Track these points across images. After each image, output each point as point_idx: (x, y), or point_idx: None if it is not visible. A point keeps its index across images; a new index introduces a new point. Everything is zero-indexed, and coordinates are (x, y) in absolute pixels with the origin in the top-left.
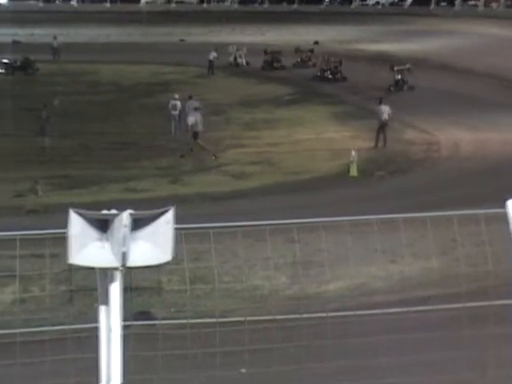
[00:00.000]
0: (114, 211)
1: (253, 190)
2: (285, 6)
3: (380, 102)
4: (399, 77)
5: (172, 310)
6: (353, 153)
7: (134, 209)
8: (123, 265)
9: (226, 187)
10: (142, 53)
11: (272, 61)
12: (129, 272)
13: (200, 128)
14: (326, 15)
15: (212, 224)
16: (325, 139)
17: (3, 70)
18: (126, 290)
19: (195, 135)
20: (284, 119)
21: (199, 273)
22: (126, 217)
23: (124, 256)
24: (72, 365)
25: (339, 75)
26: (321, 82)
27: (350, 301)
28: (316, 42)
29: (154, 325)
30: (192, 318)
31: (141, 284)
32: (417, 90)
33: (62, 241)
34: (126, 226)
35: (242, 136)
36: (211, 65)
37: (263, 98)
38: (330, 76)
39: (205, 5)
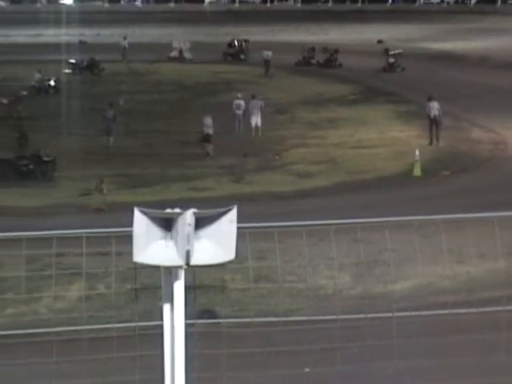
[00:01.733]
0: (177, 210)
1: (317, 190)
2: (348, 5)
3: (429, 99)
4: None
5: (235, 308)
6: (417, 152)
7: (198, 208)
8: (187, 263)
9: (290, 186)
10: (204, 52)
11: (309, 58)
12: (192, 270)
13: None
14: (389, 14)
15: (276, 223)
16: (388, 138)
17: (70, 70)
18: (190, 288)
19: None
20: (348, 118)
21: (263, 272)
22: (189, 216)
23: (188, 254)
24: (137, 362)
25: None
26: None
27: (417, 301)
28: (380, 41)
29: (218, 323)
30: (256, 316)
31: (204, 282)
32: (478, 88)
33: (127, 239)
34: (189, 225)
35: (306, 135)
36: (267, 64)
37: (327, 96)
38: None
39: (268, 4)
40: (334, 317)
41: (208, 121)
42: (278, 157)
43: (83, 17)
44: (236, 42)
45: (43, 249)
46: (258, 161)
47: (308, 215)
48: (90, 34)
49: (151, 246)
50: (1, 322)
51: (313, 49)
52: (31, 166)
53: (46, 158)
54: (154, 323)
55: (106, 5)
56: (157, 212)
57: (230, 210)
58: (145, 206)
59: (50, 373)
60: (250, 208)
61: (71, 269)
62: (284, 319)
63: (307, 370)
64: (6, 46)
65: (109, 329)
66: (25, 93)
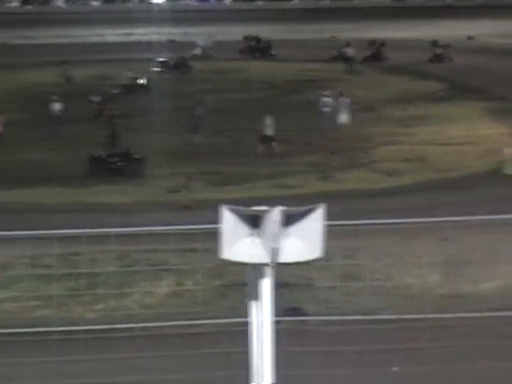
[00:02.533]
0: (265, 207)
1: (404, 187)
2: (438, 1)
3: None
4: None
5: (323, 306)
6: (507, 150)
7: (285, 205)
8: (274, 260)
9: (377, 184)
10: (292, 50)
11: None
12: (279, 268)
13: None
14: (480, 9)
15: (363, 221)
16: (477, 135)
17: (159, 69)
18: (277, 285)
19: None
20: (437, 115)
21: (350, 270)
22: (276, 213)
23: (275, 252)
24: (225, 358)
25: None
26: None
27: (505, 301)
28: (470, 37)
29: (305, 321)
30: (343, 314)
31: (291, 280)
32: None
33: (214, 236)
34: (276, 223)
35: (394, 133)
36: (350, 61)
37: (415, 93)
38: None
39: (355, 1)
40: (422, 315)
41: (268, 121)
42: (365, 154)
43: (173, 16)
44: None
45: (133, 245)
46: (345, 158)
47: (395, 213)
48: (178, 33)
49: (238, 243)
50: (92, 317)
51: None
52: (122, 164)
53: (136, 156)
54: (241, 320)
55: (196, 3)
56: (244, 209)
57: (317, 207)
58: (232, 203)
59: (141, 367)
60: (337, 206)
61: (160, 265)
62: (371, 317)
63: (395, 369)
64: (99, 45)
65: (196, 325)
66: (116, 91)
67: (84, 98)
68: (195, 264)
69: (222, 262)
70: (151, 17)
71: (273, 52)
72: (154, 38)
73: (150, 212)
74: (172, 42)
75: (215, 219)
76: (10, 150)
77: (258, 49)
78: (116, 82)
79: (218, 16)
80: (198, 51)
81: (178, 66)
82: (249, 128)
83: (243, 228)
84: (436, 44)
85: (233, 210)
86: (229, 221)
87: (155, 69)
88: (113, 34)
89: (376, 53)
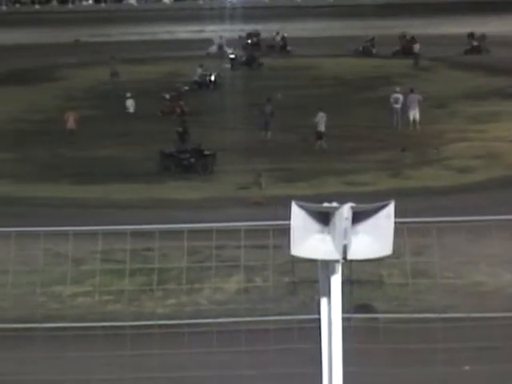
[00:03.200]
0: (334, 204)
1: (476, 184)
2: None
3: None
4: None
5: (393, 303)
6: None
7: (355, 202)
8: (344, 257)
9: (449, 181)
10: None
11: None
12: (349, 264)
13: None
14: None
15: (434, 218)
16: None
17: (230, 65)
18: (347, 282)
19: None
20: (508, 111)
21: (421, 267)
22: (346, 210)
23: (345, 249)
24: (294, 355)
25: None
26: None
27: None
28: None
29: (376, 318)
30: (413, 312)
31: (361, 277)
32: None
33: (284, 232)
34: (346, 219)
35: (467, 129)
36: (416, 57)
37: (488, 89)
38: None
39: None
40: (494, 314)
41: (318, 117)
42: (436, 151)
43: (244, 12)
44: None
45: (204, 241)
46: (415, 155)
47: (467, 211)
48: (249, 30)
49: (308, 240)
50: (163, 312)
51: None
52: (192, 160)
53: (206, 152)
54: (311, 317)
55: (267, 0)
56: (314, 206)
57: (387, 204)
58: (302, 199)
59: (210, 362)
60: (408, 203)
61: (230, 261)
62: (442, 316)
63: (467, 367)
64: (170, 42)
65: (266, 321)
66: (186, 88)
67: (156, 95)
68: (265, 260)
69: (293, 258)
70: (222, 14)
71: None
72: (225, 35)
73: (221, 208)
74: (242, 38)
75: (285, 216)
76: (84, 146)
77: None
78: (187, 79)
79: (289, 12)
80: (213, 49)
81: (249, 63)
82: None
83: (313, 224)
84: (478, 38)
85: (303, 207)
86: (299, 217)
87: (225, 65)
88: (184, 32)
89: (477, 46)
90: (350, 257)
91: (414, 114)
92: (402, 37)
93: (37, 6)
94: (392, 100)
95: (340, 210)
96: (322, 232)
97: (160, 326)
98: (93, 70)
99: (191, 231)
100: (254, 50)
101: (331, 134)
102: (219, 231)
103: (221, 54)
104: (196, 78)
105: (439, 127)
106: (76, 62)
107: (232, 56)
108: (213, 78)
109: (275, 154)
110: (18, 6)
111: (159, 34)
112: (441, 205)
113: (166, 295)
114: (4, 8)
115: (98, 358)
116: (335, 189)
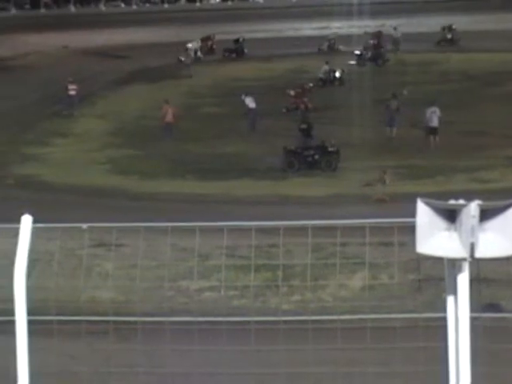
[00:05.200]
0: (461, 201)
1: None
2: None
3: None
4: None
5: None
6: None
7: (482, 199)
8: (471, 255)
9: None
10: (496, 41)
11: None
12: (477, 263)
13: None
14: None
15: None
16: None
17: (355, 62)
18: (474, 280)
19: None
20: None
21: None
22: (474, 207)
23: (472, 247)
24: (421, 353)
25: None
26: None
27: None
28: None
29: (504, 318)
30: None
31: (489, 275)
32: None
33: (409, 230)
34: (474, 217)
35: None
36: None
37: None
38: None
39: None
40: None
41: (429, 112)
42: None
43: (370, 8)
44: None
45: (328, 238)
46: None
47: None
48: (375, 25)
49: (434, 237)
50: (287, 308)
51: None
52: (316, 157)
53: (330, 149)
54: (438, 315)
55: None
56: (440, 203)
57: None
58: (428, 196)
59: (334, 359)
60: None
61: (354, 258)
62: None
63: None
64: (295, 38)
65: (391, 319)
66: (311, 85)
67: (281, 91)
68: (390, 258)
69: (417, 256)
70: (348, 10)
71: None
72: (350, 31)
73: (345, 205)
74: (368, 34)
75: (410, 213)
76: (208, 143)
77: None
78: (312, 76)
79: (414, 7)
80: (324, 46)
81: (375, 59)
82: (445, 120)
83: (439, 222)
84: None
85: (428, 204)
86: (424, 214)
87: (350, 62)
88: (309, 28)
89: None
90: (477, 255)
91: None
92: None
93: (166, 5)
94: None
95: (467, 208)
96: (449, 230)
97: (284, 321)
98: (220, 68)
99: (315, 228)
100: (377, 46)
101: (459, 130)
102: (343, 228)
103: (332, 50)
104: (321, 74)
105: None
106: (204, 59)
107: (357, 52)
108: (337, 74)
109: (400, 151)
110: (147, 5)
111: (284, 31)
112: None
113: (291, 291)
114: (135, 7)
115: (223, 352)
116: (461, 186)
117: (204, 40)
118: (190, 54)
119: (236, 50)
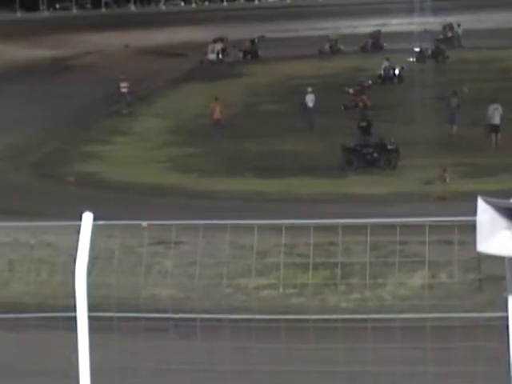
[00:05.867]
0: None
1: None
2: None
3: None
4: None
5: None
6: None
7: None
8: None
9: None
10: None
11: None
12: None
13: None
14: None
15: None
16: None
17: (414, 59)
18: None
19: None
20: None
21: None
22: None
23: None
24: (481, 353)
25: None
26: None
27: None
28: None
29: None
30: None
31: None
32: None
33: (470, 228)
34: None
35: None
36: None
37: None
38: None
39: None
40: None
41: (491, 110)
42: None
43: (431, 4)
44: None
45: (387, 236)
46: None
47: None
48: (434, 22)
49: (495, 236)
50: (346, 306)
51: None
52: (375, 155)
53: (389, 147)
54: (498, 314)
55: None
56: (502, 202)
57: None
58: (489, 195)
59: (392, 358)
60: None
61: (413, 257)
62: None
63: None
64: (353, 36)
65: (451, 318)
66: (370, 82)
67: (339, 89)
68: (450, 256)
69: (478, 254)
70: (407, 7)
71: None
72: (410, 28)
73: (405, 203)
74: (428, 31)
75: (471, 211)
76: (266, 141)
77: None
78: (371, 73)
79: (473, 4)
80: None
81: (434, 56)
82: (506, 118)
83: (500, 221)
84: None
85: (489, 202)
86: (485, 213)
87: (410, 59)
88: (367, 26)
89: None
90: None
91: None
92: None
93: (225, 3)
94: None
95: None
96: (510, 228)
97: (343, 320)
98: (278, 66)
99: (374, 226)
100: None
101: None
102: (403, 226)
103: (333, 51)
104: (381, 71)
105: None
106: (263, 57)
107: (417, 49)
108: (397, 71)
109: (461, 149)
110: (206, 3)
111: (342, 29)
112: None
113: (350, 290)
114: (194, 6)
115: (281, 350)
116: None
117: (216, 41)
118: (212, 54)
119: (250, 52)
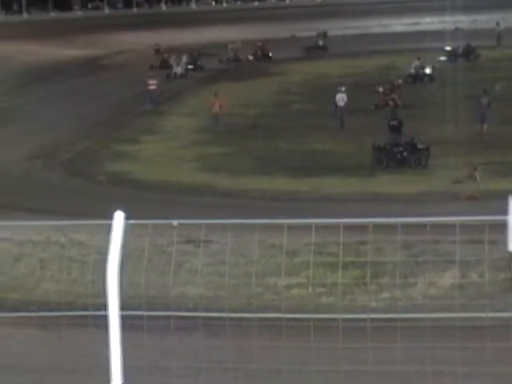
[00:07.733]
0: None
1: None
2: None
3: None
4: None
5: None
6: None
7: None
8: None
9: None
10: None
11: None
12: None
13: None
14: None
15: None
16: None
17: (445, 58)
18: None
19: None
20: None
21: None
22: None
23: None
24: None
25: None
26: None
27: None
28: None
29: None
30: None
31: None
32: None
33: (500, 228)
34: None
35: None
36: None
37: None
38: None
39: None
40: None
41: None
42: None
43: (462, 3)
44: None
45: (418, 235)
46: None
47: None
48: (466, 20)
49: None
50: (376, 306)
51: None
52: (405, 154)
53: (420, 146)
54: None
55: None
56: None
57: None
58: None
59: (423, 357)
60: None
61: (445, 256)
62: None
63: None
64: (385, 35)
65: (482, 318)
66: (400, 81)
67: (369, 88)
68: (480, 256)
69: (509, 254)
70: (439, 5)
71: None
72: (441, 26)
73: (435, 202)
74: (459, 29)
75: (502, 210)
76: (296, 140)
77: None
78: (401, 72)
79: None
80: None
81: (466, 55)
82: None
83: None
84: None
85: None
86: None
87: (441, 58)
88: (398, 24)
89: None
90: None
91: None
92: None
93: (256, 3)
94: None
95: None
96: None
97: (373, 319)
98: (310, 65)
99: (405, 225)
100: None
101: None
102: (433, 226)
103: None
104: (411, 70)
105: None
106: (294, 56)
107: (448, 48)
108: (428, 70)
109: (492, 147)
110: (238, 3)
111: (373, 28)
112: None
113: (380, 289)
114: (225, 5)
115: (311, 349)
116: None
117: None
118: (230, 53)
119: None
